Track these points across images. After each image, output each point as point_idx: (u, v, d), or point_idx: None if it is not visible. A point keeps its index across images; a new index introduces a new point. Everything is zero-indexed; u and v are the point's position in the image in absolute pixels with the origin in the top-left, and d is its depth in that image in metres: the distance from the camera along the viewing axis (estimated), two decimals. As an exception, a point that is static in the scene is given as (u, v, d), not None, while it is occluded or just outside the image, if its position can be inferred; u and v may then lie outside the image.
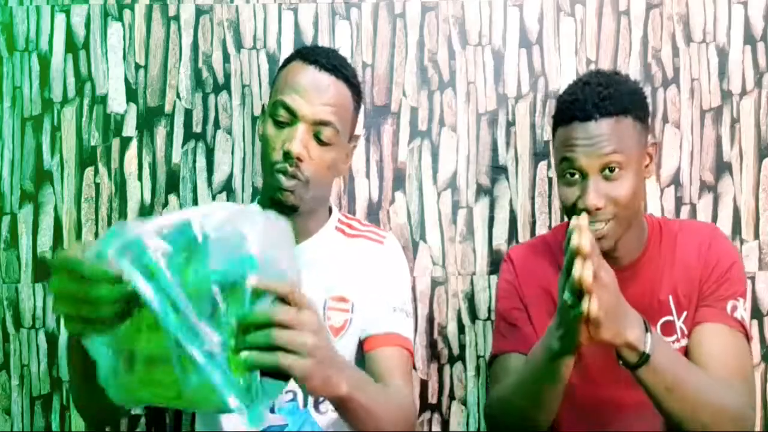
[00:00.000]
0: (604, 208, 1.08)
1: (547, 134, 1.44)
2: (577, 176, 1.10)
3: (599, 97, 1.09)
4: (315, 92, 1.08)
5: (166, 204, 1.45)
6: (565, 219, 1.39)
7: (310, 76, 1.10)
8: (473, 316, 1.45)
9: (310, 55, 1.13)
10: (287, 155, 1.07)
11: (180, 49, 1.45)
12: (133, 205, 1.45)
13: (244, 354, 0.69)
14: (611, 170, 1.08)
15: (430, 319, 1.45)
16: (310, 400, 1.11)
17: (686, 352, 1.13)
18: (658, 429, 1.13)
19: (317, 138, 1.09)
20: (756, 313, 1.41)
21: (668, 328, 1.15)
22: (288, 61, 1.15)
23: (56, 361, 1.45)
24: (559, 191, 1.16)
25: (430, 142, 1.45)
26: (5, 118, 1.45)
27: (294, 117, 1.08)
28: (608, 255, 1.15)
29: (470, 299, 1.45)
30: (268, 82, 1.44)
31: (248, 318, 0.69)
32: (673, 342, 1.14)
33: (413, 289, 1.41)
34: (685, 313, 1.15)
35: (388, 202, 1.45)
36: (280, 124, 1.09)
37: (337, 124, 1.10)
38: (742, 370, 1.09)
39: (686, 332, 1.14)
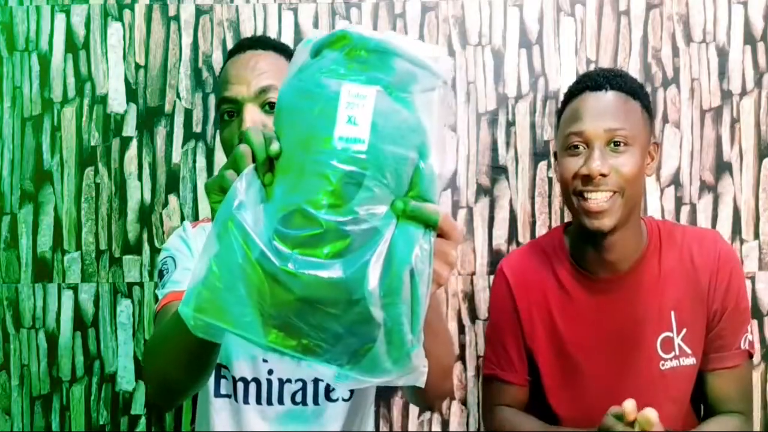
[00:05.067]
0: (608, 177, 1.08)
1: (548, 134, 1.44)
2: (581, 148, 1.10)
3: (612, 73, 1.14)
4: (245, 70, 1.07)
5: (166, 204, 1.45)
6: (565, 219, 1.39)
7: (236, 62, 1.10)
8: (473, 316, 1.45)
9: (234, 48, 1.15)
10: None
11: (180, 49, 1.45)
12: (133, 205, 1.45)
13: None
14: (617, 144, 1.09)
15: (430, 319, 1.45)
16: (321, 390, 1.10)
17: (695, 373, 1.15)
18: None
19: (266, 109, 1.06)
20: (756, 313, 1.40)
21: (667, 345, 1.14)
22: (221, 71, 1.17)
23: (56, 361, 1.45)
24: (559, 168, 1.15)
25: (430, 142, 1.45)
26: (5, 118, 1.45)
27: (237, 104, 1.06)
28: (606, 259, 1.15)
29: (470, 299, 1.45)
30: (268, 82, 1.45)
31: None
32: (671, 359, 1.14)
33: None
34: (684, 330, 1.14)
35: (388, 202, 1.45)
36: (230, 120, 1.08)
37: (279, 84, 1.05)
38: (750, 399, 1.18)
39: (686, 350, 1.13)
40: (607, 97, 1.11)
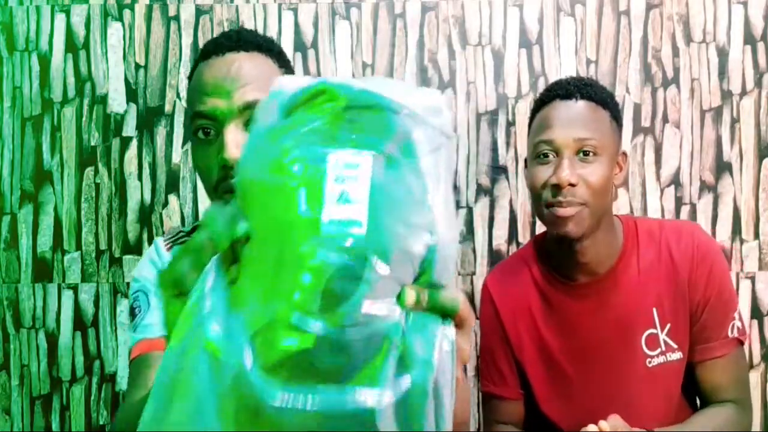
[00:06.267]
0: (576, 188, 1.07)
1: (547, 134, 1.44)
2: (551, 156, 1.10)
3: (582, 82, 1.14)
4: (225, 79, 0.86)
5: (166, 204, 1.45)
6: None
7: (214, 67, 0.88)
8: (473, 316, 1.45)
9: (209, 47, 0.91)
10: (225, 166, 0.84)
11: (180, 49, 1.45)
12: (133, 205, 1.45)
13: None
14: (586, 153, 1.09)
15: (430, 319, 1.45)
16: None
17: (683, 366, 1.14)
18: None
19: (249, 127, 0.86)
20: (756, 312, 1.40)
21: (652, 341, 1.13)
22: (192, 70, 0.94)
23: (56, 361, 1.45)
24: (528, 176, 1.15)
25: (430, 142, 1.45)
26: (5, 118, 1.45)
27: (216, 121, 0.85)
28: (581, 264, 1.14)
29: (470, 299, 1.45)
30: (268, 82, 1.45)
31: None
32: (658, 355, 1.13)
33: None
34: (668, 326, 1.13)
35: (388, 202, 1.45)
36: (206, 139, 0.87)
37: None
38: (746, 386, 1.16)
39: (672, 345, 1.13)
40: (577, 106, 1.10)
